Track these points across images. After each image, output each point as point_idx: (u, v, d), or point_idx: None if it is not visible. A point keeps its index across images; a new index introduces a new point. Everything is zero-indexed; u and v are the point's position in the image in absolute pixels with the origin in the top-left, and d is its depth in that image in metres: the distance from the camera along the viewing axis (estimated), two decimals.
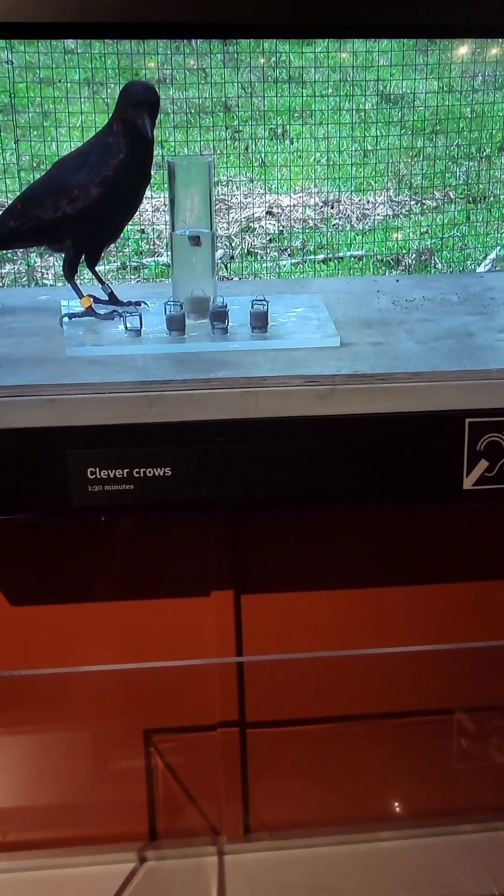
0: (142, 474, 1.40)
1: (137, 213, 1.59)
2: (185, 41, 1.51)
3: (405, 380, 1.42)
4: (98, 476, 1.40)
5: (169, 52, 1.51)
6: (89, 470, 1.39)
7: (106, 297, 1.54)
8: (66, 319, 1.51)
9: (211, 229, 1.50)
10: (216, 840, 1.96)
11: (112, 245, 1.61)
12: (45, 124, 1.58)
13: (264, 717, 1.92)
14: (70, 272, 1.49)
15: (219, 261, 1.69)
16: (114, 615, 1.81)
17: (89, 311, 1.51)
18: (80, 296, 1.52)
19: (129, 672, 1.83)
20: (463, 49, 1.61)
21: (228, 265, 1.68)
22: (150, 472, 1.40)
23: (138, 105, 1.36)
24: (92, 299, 1.51)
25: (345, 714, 1.93)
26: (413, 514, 1.78)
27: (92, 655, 1.82)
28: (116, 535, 1.74)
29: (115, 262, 1.69)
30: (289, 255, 1.69)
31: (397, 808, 2.00)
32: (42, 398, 1.38)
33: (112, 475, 1.40)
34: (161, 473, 1.40)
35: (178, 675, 1.85)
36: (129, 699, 1.88)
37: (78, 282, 1.55)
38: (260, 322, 1.50)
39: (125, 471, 1.40)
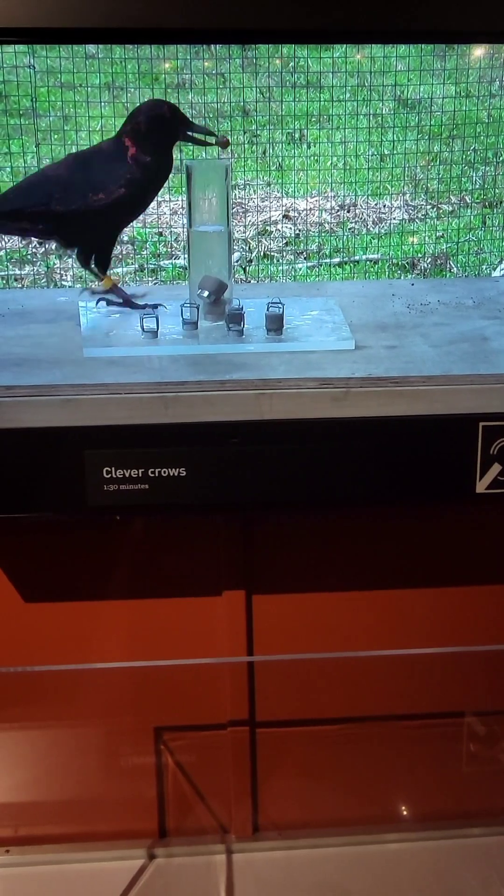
0: (157, 474, 1.40)
1: (155, 215, 1.61)
2: (204, 46, 1.53)
3: (419, 383, 1.43)
4: (114, 476, 1.40)
5: (188, 58, 1.52)
6: (105, 469, 1.40)
7: (120, 301, 1.56)
8: (97, 304, 1.55)
9: (228, 227, 1.51)
10: (225, 838, 1.97)
11: (131, 248, 1.62)
12: (65, 128, 1.60)
13: (274, 716, 1.91)
14: (83, 261, 1.53)
15: (236, 263, 1.70)
16: (126, 614, 1.81)
17: (113, 290, 1.54)
18: (101, 278, 1.55)
19: (141, 670, 1.84)
20: (479, 52, 1.61)
21: (247, 268, 1.70)
22: (164, 472, 1.40)
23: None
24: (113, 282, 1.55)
25: (354, 715, 1.93)
26: (425, 517, 1.77)
27: (104, 654, 1.82)
28: (130, 535, 1.75)
29: (133, 264, 1.71)
30: (304, 258, 1.69)
31: (406, 810, 2.00)
32: (59, 398, 1.39)
33: (127, 475, 1.40)
34: (176, 474, 1.40)
35: (189, 674, 1.85)
36: (140, 697, 1.87)
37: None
38: (275, 324, 1.51)
39: (140, 471, 1.40)
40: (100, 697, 1.86)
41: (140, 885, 1.89)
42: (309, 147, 1.61)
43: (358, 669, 1.88)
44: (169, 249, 1.70)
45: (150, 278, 1.73)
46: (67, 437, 1.39)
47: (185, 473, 1.41)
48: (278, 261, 1.67)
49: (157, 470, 1.40)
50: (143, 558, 1.79)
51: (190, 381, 1.41)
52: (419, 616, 1.87)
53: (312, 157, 1.60)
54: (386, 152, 1.59)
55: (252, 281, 1.71)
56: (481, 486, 1.45)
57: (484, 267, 1.70)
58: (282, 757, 1.97)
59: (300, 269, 1.69)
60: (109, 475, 1.40)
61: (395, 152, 1.60)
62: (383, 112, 1.59)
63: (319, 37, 1.45)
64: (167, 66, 1.58)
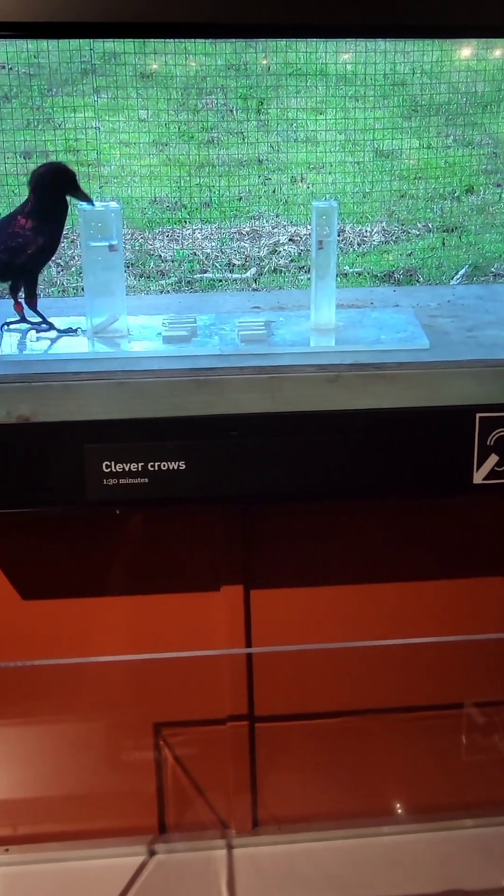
0: (156, 468, 1.41)
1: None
2: (228, 111, 2.03)
3: (417, 367, 1.41)
4: (113, 470, 1.40)
5: (216, 120, 2.03)
6: (105, 464, 1.40)
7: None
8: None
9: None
10: (225, 833, 1.92)
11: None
12: (122, 174, 2.06)
13: (273, 711, 1.85)
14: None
15: (249, 276, 2.10)
16: (124, 610, 1.77)
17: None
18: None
19: (140, 666, 1.79)
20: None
21: (258, 279, 2.09)
22: (164, 465, 1.41)
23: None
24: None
25: (353, 708, 1.87)
26: (423, 508, 1.72)
27: (103, 650, 1.78)
28: (128, 531, 1.72)
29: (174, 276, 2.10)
30: (305, 271, 2.11)
31: (405, 802, 2.00)
32: (58, 391, 1.37)
33: (127, 469, 1.41)
34: (175, 467, 1.41)
35: (188, 670, 1.81)
36: (139, 693, 1.82)
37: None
38: None
39: (140, 464, 1.40)
40: (99, 694, 1.82)
41: (141, 882, 1.84)
42: (308, 187, 2.07)
43: (356, 662, 1.82)
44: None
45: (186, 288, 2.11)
46: (67, 432, 1.38)
47: (184, 467, 1.41)
48: (284, 273, 2.07)
49: (156, 463, 1.40)
50: (140, 554, 1.73)
51: (189, 368, 1.39)
52: (418, 608, 1.80)
53: (310, 194, 2.06)
54: (367, 190, 2.06)
55: (263, 290, 2.09)
56: (478, 477, 1.45)
57: (443, 277, 2.11)
58: (281, 751, 1.86)
59: (301, 280, 2.09)
60: (109, 469, 1.40)
61: (374, 190, 2.07)
62: (365, 160, 2.08)
63: (317, 31, 1.42)
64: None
